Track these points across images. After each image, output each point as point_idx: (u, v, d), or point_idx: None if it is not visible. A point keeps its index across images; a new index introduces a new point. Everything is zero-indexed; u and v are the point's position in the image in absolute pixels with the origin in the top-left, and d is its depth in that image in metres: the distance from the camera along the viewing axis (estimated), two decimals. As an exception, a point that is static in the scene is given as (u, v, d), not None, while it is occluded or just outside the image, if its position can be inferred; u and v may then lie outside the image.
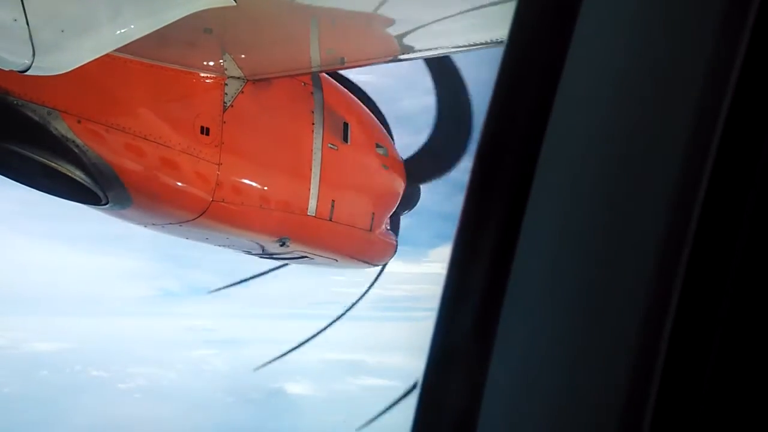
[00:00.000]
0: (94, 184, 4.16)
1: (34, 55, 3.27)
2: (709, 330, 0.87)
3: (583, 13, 0.95)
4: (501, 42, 3.88)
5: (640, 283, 0.88)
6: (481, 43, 4.06)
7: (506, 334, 0.94)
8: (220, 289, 6.80)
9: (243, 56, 4.55)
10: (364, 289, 6.29)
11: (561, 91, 0.95)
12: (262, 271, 6.30)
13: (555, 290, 0.93)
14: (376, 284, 6.25)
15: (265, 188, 4.82)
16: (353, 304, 6.29)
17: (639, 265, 0.89)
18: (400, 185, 5.82)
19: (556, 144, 0.96)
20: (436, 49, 4.36)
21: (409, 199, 5.97)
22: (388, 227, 5.93)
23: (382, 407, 5.71)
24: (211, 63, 4.56)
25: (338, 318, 6.29)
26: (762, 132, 0.87)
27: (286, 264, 5.88)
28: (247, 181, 4.74)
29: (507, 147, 1.02)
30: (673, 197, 0.88)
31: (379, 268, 6.10)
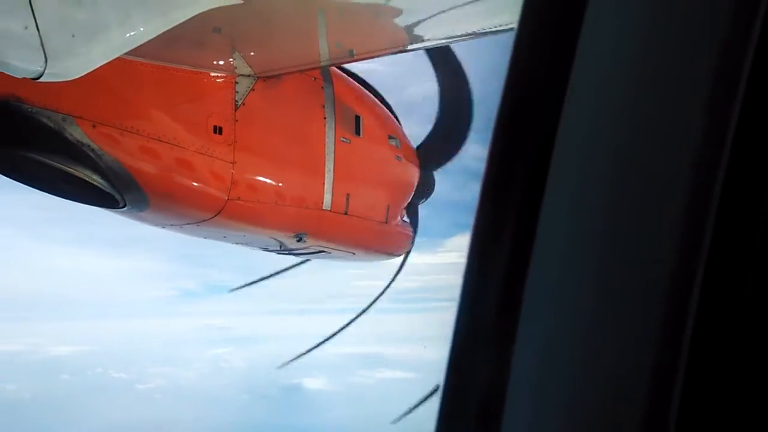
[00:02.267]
0: (111, 188, 4.19)
1: (46, 61, 3.29)
2: (735, 298, 0.87)
3: (592, 4, 0.95)
4: (511, 28, 3.86)
5: (663, 264, 0.88)
6: (491, 30, 4.04)
7: (531, 313, 0.95)
8: (241, 287, 6.85)
9: (252, 54, 4.55)
10: (385, 283, 6.31)
11: (573, 78, 0.96)
12: (283, 267, 6.34)
13: (578, 270, 0.94)
14: (398, 277, 6.26)
15: (280, 185, 4.84)
16: (376, 299, 6.31)
17: (662, 246, 0.89)
18: (414, 176, 5.83)
19: (570, 129, 0.96)
20: (445, 37, 4.34)
21: (425, 188, 5.99)
22: (405, 218, 5.94)
23: (413, 401, 5.72)
24: (221, 62, 4.57)
25: (363, 312, 6.30)
26: None
27: (308, 260, 5.91)
28: (261, 179, 4.76)
29: (523, 132, 1.03)
30: (690, 189, 0.88)
31: (401, 260, 6.12)
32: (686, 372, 0.86)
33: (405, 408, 5.89)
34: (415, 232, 6.11)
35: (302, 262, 6.09)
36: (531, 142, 1.00)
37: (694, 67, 0.90)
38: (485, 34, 4.12)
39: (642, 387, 0.87)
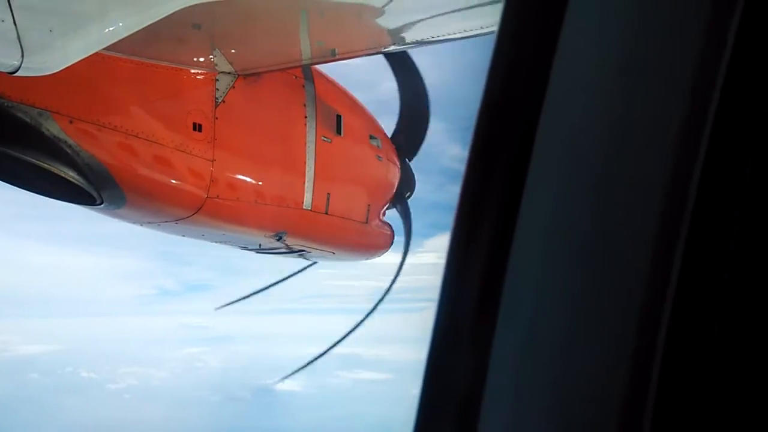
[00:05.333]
0: (87, 185, 4.13)
1: (22, 55, 3.24)
2: (708, 306, 0.89)
3: (573, 5, 0.97)
4: (492, 31, 3.89)
5: (640, 264, 0.90)
6: (473, 33, 4.07)
7: (510, 314, 0.96)
8: (227, 305, 6.77)
9: (233, 51, 4.53)
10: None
11: (553, 80, 0.97)
12: (275, 280, 6.29)
13: (557, 271, 0.95)
14: (397, 274, 6.24)
15: (260, 183, 4.81)
16: (382, 298, 6.27)
17: (639, 246, 0.90)
18: (395, 176, 5.84)
19: (550, 129, 0.97)
20: (427, 38, 4.36)
21: (407, 184, 6.00)
22: (384, 218, 5.96)
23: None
24: (201, 59, 4.53)
25: (370, 313, 6.25)
26: (753, 126, 0.89)
27: (310, 266, 5.88)
28: (241, 177, 4.73)
29: (502, 134, 1.04)
30: (667, 189, 0.90)
31: (399, 261, 6.11)
32: (662, 372, 0.88)
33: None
34: (409, 227, 6.11)
35: (303, 268, 6.04)
36: (511, 143, 1.01)
37: (672, 70, 0.91)
38: (467, 36, 4.14)
39: (619, 387, 0.88)
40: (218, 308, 6.97)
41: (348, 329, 6.30)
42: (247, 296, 6.65)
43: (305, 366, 6.55)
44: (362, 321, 6.26)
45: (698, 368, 0.88)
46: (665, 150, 0.90)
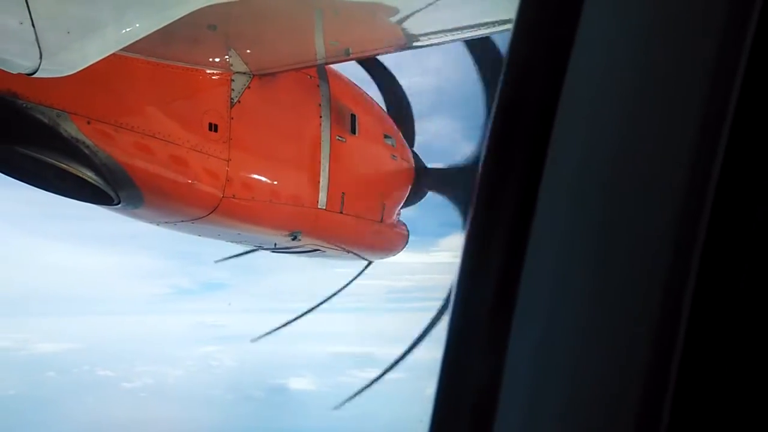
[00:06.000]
0: (105, 185, 4.18)
1: (41, 57, 3.28)
2: (725, 307, 0.88)
3: (589, 3, 0.96)
4: (507, 29, 3.88)
5: (657, 266, 0.89)
6: (486, 29, 4.06)
7: (525, 314, 0.95)
8: (227, 258, 6.88)
9: (248, 51, 4.55)
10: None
11: (569, 77, 0.96)
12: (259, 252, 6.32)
13: (572, 271, 0.94)
14: (359, 278, 6.28)
15: (275, 183, 4.84)
16: (332, 296, 6.35)
17: (656, 248, 0.90)
18: (409, 175, 5.84)
19: (566, 128, 0.97)
20: (441, 37, 4.35)
21: (416, 196, 5.98)
22: (399, 217, 5.96)
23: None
24: (217, 59, 4.56)
25: (312, 309, 6.36)
26: None
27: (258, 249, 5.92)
28: (256, 177, 4.76)
29: (518, 133, 1.03)
30: (685, 190, 0.89)
31: (365, 263, 6.12)
32: (679, 376, 0.87)
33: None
34: None
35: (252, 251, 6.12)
36: (526, 142, 1.01)
37: (690, 68, 0.91)
38: (481, 33, 4.13)
39: (635, 389, 0.88)
40: (217, 261, 7.13)
41: (305, 311, 6.51)
42: (240, 254, 6.73)
43: (272, 331, 6.68)
44: (318, 305, 6.39)
45: (716, 372, 0.87)
46: (684, 150, 0.89)
